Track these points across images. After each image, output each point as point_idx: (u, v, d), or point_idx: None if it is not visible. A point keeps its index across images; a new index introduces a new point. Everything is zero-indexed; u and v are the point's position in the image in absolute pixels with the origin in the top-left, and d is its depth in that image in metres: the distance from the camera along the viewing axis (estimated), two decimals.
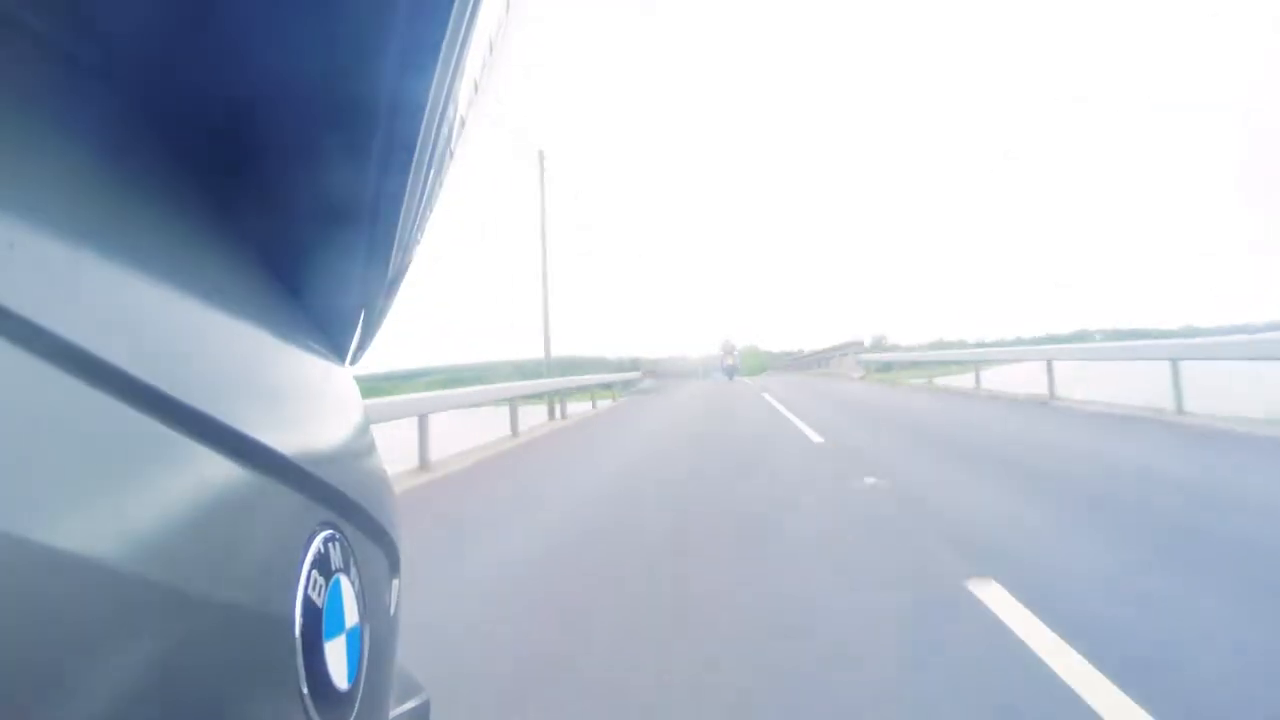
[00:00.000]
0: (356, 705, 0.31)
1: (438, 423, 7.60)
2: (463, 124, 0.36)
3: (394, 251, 0.38)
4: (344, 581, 0.32)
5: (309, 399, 0.36)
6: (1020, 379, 12.47)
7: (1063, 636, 2.04)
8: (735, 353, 32.21)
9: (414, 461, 6.98)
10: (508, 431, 10.32)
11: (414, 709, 0.46)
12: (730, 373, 28.64)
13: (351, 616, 0.32)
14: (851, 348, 27.29)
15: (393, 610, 0.41)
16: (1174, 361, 7.82)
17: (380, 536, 0.40)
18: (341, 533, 0.33)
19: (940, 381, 17.67)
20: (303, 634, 0.27)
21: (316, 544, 0.30)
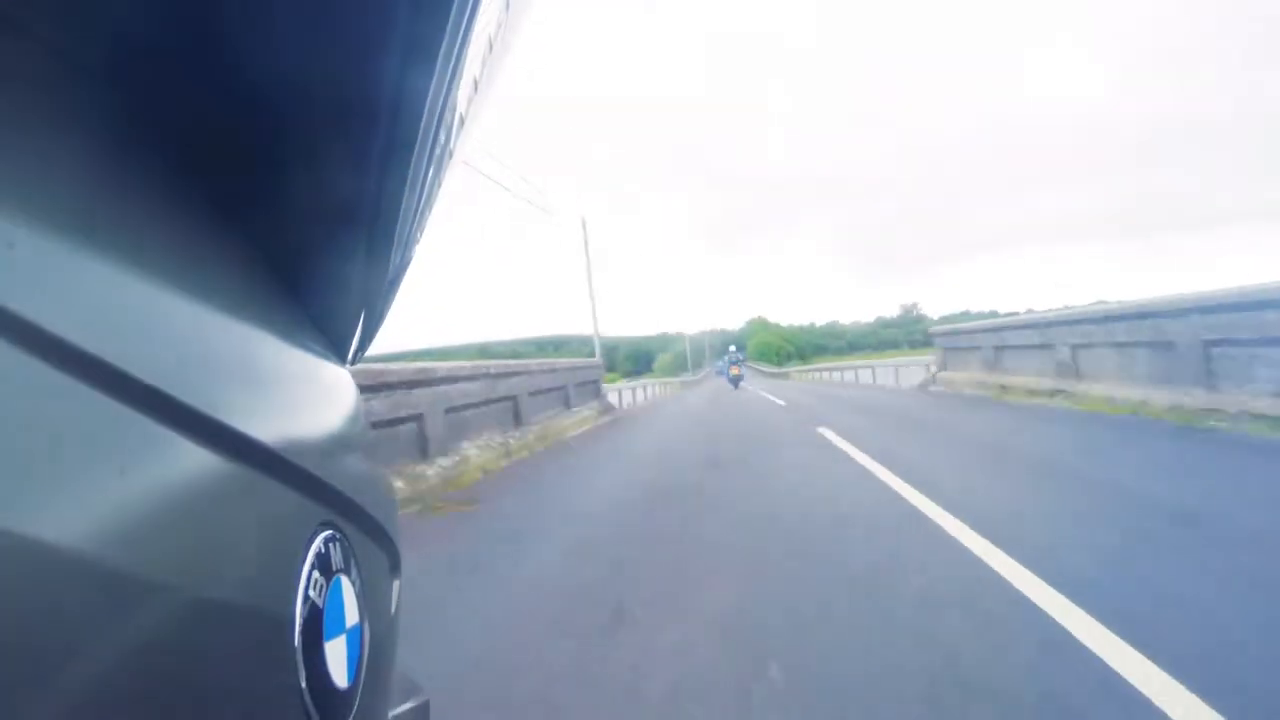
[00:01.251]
0: (356, 704, 0.31)
1: None
2: (462, 123, 0.36)
3: (394, 251, 0.38)
4: (344, 581, 0.32)
5: (310, 399, 0.36)
6: None
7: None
8: (742, 360, 30.69)
9: None
10: None
11: (414, 709, 0.46)
12: (735, 382, 27.28)
13: (352, 616, 0.32)
14: None
15: (393, 610, 0.41)
16: None
17: (380, 537, 0.40)
18: (342, 532, 0.33)
19: None
20: (303, 633, 0.27)
21: (317, 544, 0.30)
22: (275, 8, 0.26)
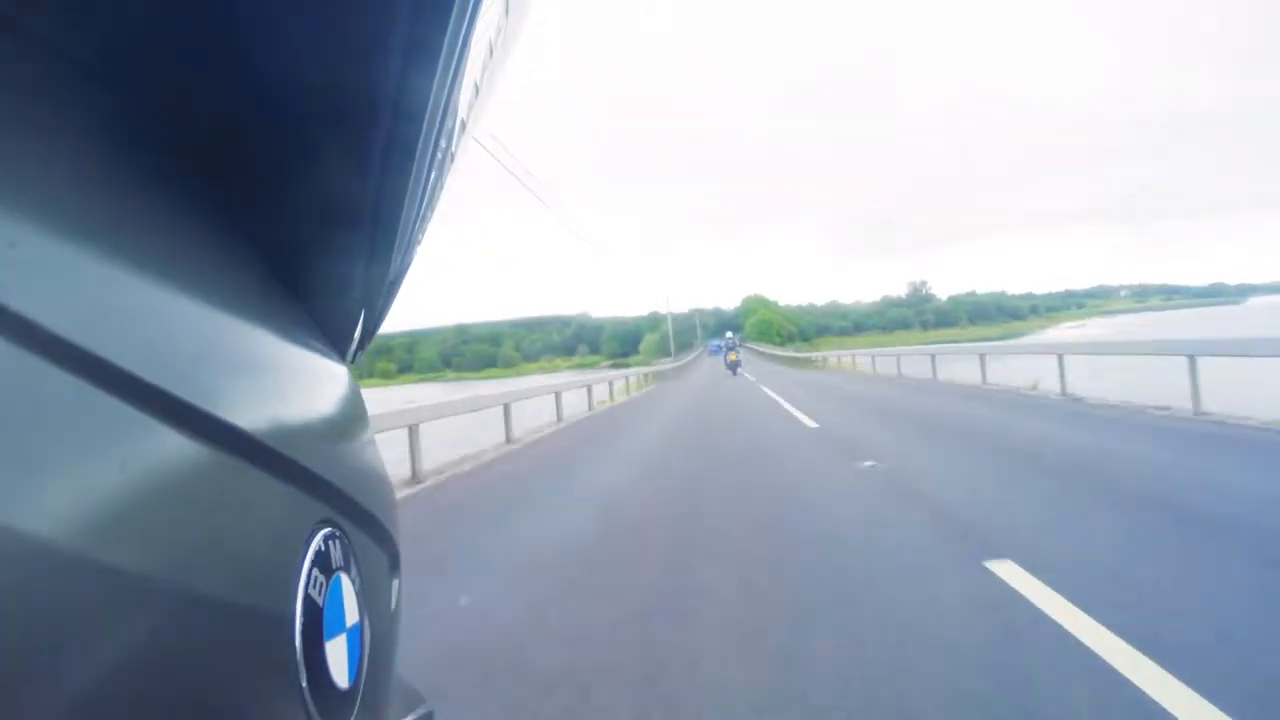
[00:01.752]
0: (357, 704, 0.32)
1: None
2: (463, 127, 0.36)
3: (395, 252, 0.38)
4: (344, 580, 0.32)
5: (310, 397, 0.36)
6: None
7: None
8: (738, 345, 31.25)
9: None
10: None
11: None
12: (733, 368, 27.77)
13: (352, 615, 0.32)
14: None
15: (393, 609, 0.42)
16: None
17: (381, 535, 0.40)
18: (342, 530, 0.33)
19: None
20: (303, 632, 0.27)
21: (317, 541, 0.30)
22: (277, 9, 0.26)
